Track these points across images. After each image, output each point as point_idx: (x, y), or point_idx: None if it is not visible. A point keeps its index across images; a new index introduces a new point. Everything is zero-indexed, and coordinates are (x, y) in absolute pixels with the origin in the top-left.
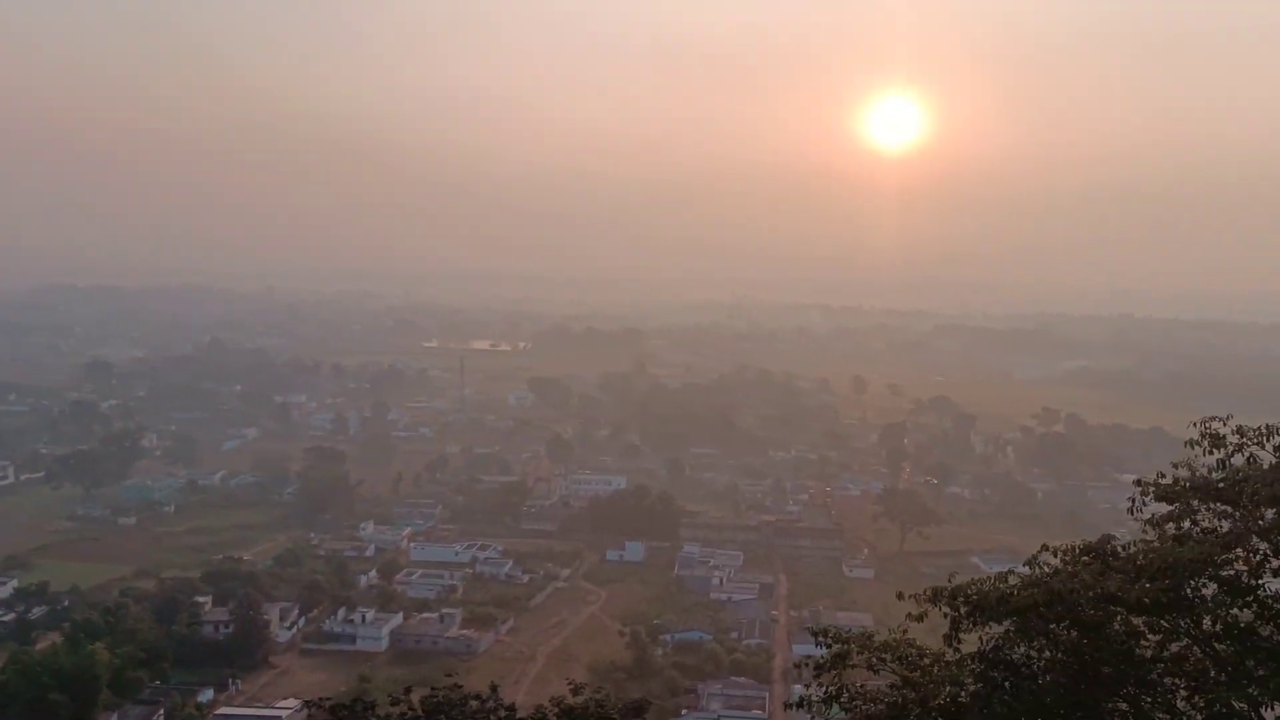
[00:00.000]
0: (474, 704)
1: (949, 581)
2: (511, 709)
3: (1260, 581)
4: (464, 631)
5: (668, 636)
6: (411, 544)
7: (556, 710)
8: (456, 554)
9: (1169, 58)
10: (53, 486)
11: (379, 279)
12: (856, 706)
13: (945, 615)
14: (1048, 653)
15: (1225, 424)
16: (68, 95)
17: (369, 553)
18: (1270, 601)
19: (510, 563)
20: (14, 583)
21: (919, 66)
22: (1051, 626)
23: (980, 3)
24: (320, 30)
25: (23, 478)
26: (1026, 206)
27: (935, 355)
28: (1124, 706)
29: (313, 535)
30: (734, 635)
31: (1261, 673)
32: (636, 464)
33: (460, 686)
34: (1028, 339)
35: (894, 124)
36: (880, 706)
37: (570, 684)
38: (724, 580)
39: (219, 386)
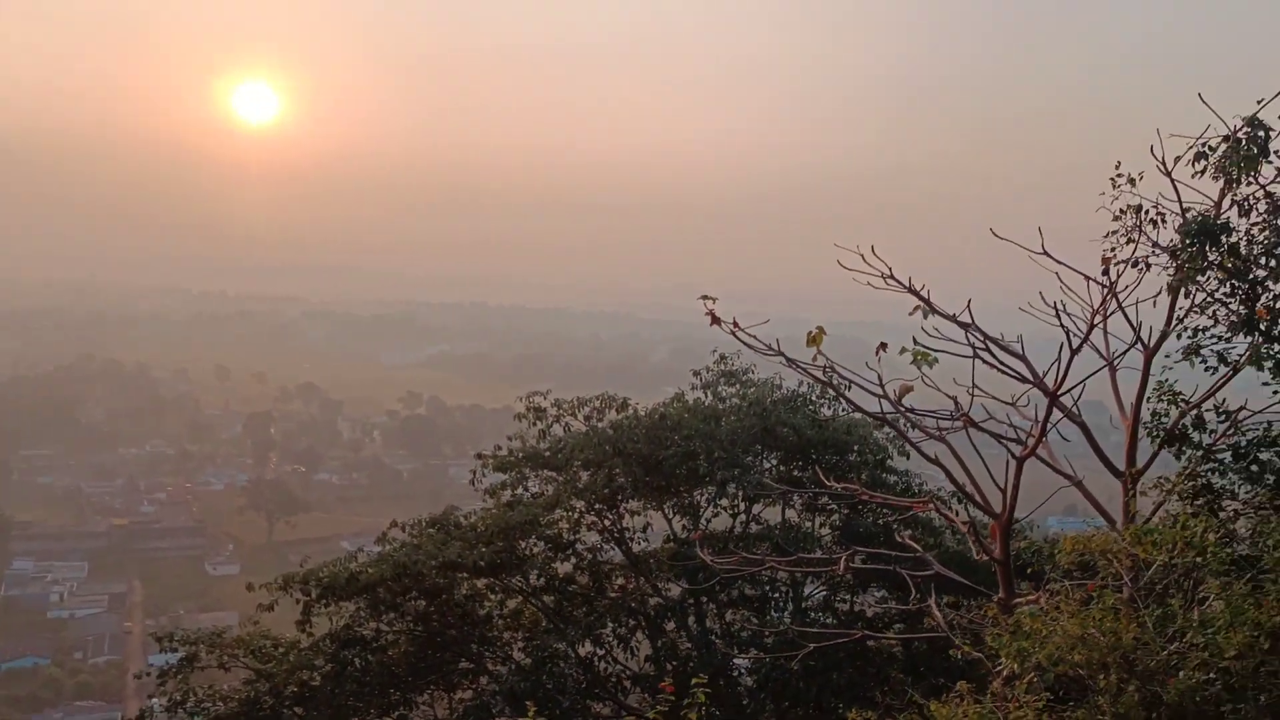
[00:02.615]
0: None
1: (300, 566)
2: None
3: (577, 537)
4: None
5: None
6: None
7: None
8: None
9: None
10: None
11: None
12: (206, 709)
13: (298, 601)
14: (399, 624)
15: (546, 398)
16: None
17: None
18: (585, 553)
19: None
20: None
21: (292, 50)
22: (400, 599)
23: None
24: None
25: None
26: (393, 198)
27: (303, 342)
28: (467, 665)
29: None
30: (78, 655)
31: (576, 614)
32: None
33: None
34: (393, 325)
35: (261, 106)
36: (233, 705)
37: None
38: (65, 595)
39: None
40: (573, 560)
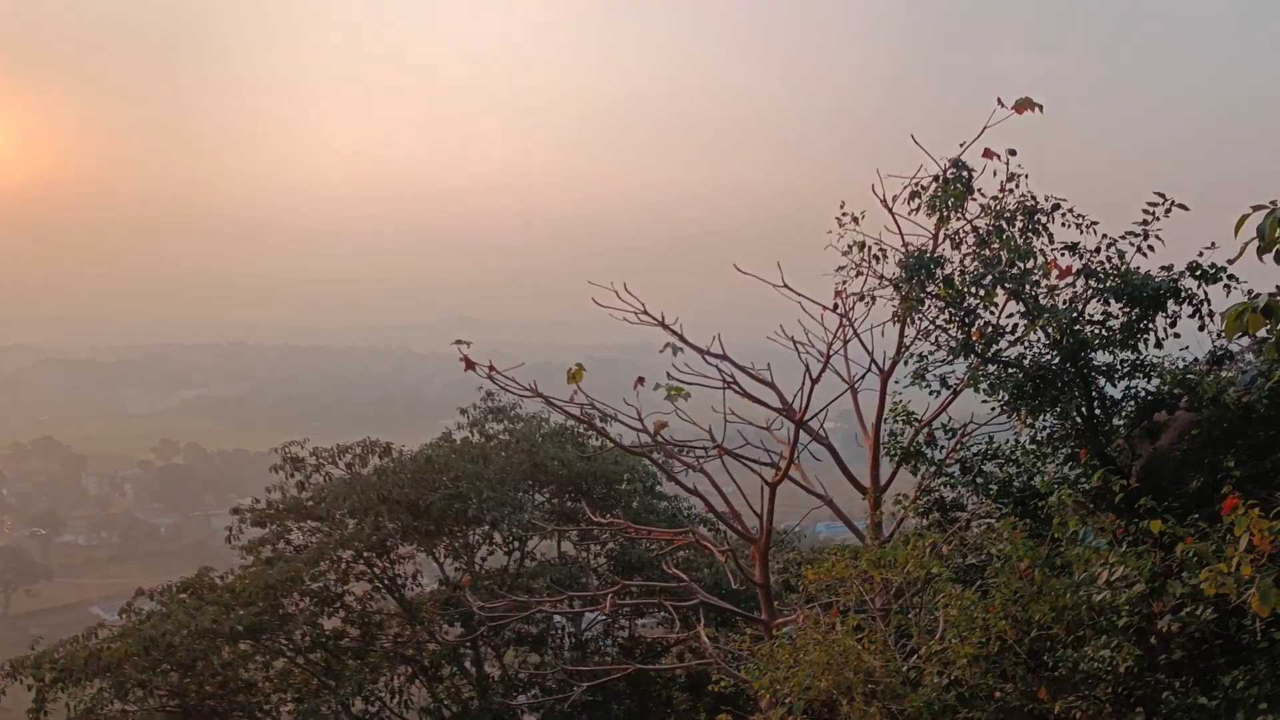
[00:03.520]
0: None
1: (32, 648)
2: None
3: (345, 589)
4: None
5: None
6: None
7: None
8: None
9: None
10: None
11: None
12: None
13: (30, 689)
14: (150, 701)
15: (304, 447)
16: None
17: None
18: (354, 605)
19: None
20: None
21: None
22: (149, 675)
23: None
24: None
25: None
26: (127, 236)
27: (38, 394)
28: None
29: None
30: None
31: (348, 669)
32: None
33: None
34: (140, 370)
35: None
36: None
37: None
38: None
39: None
40: (341, 613)
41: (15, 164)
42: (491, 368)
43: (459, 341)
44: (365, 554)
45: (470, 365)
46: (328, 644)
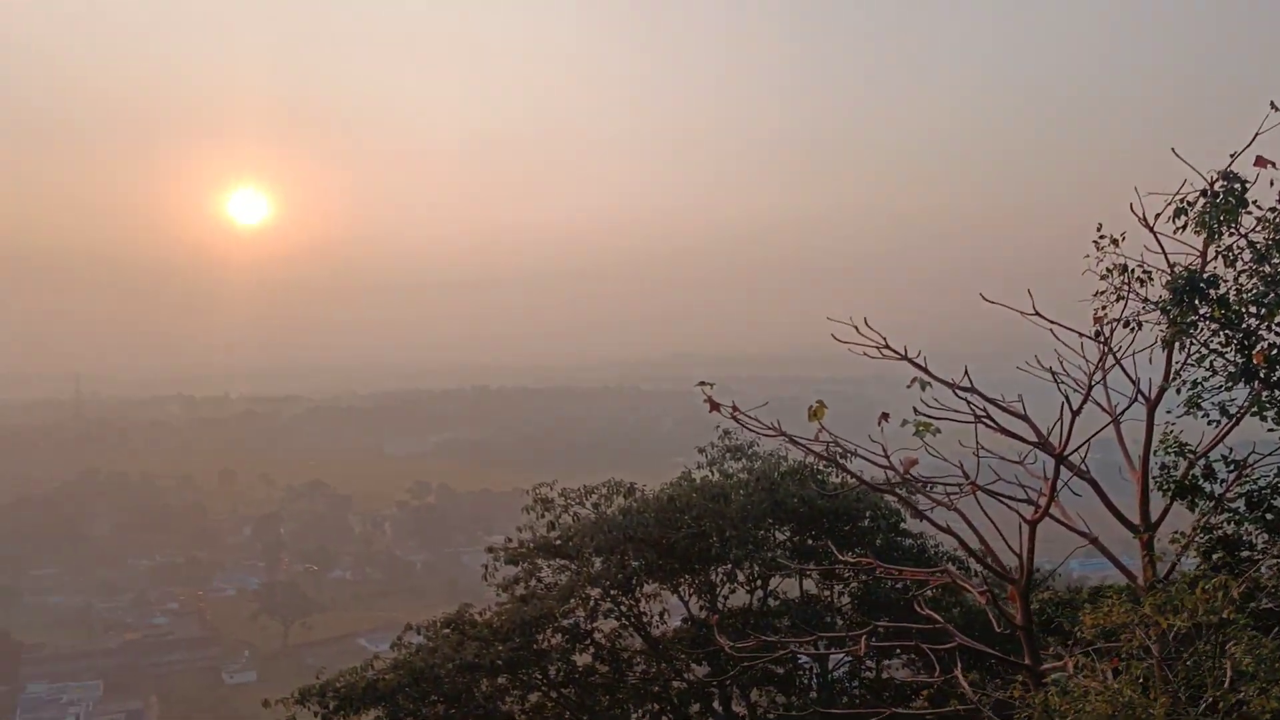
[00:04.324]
0: None
1: (317, 677)
2: None
3: (595, 625)
4: None
5: None
6: None
7: None
8: None
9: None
10: None
11: None
12: None
13: (316, 715)
14: None
15: (552, 488)
16: None
17: None
18: (604, 642)
19: None
20: None
21: (278, 160)
22: (420, 705)
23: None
24: None
25: None
26: (382, 290)
27: (307, 440)
28: None
29: None
30: None
31: (599, 704)
32: None
33: None
34: (395, 416)
35: (247, 208)
36: None
37: None
38: (81, 716)
39: None
40: (591, 650)
41: (319, 226)
42: (735, 408)
43: (703, 383)
44: (612, 592)
45: (715, 406)
46: (580, 679)
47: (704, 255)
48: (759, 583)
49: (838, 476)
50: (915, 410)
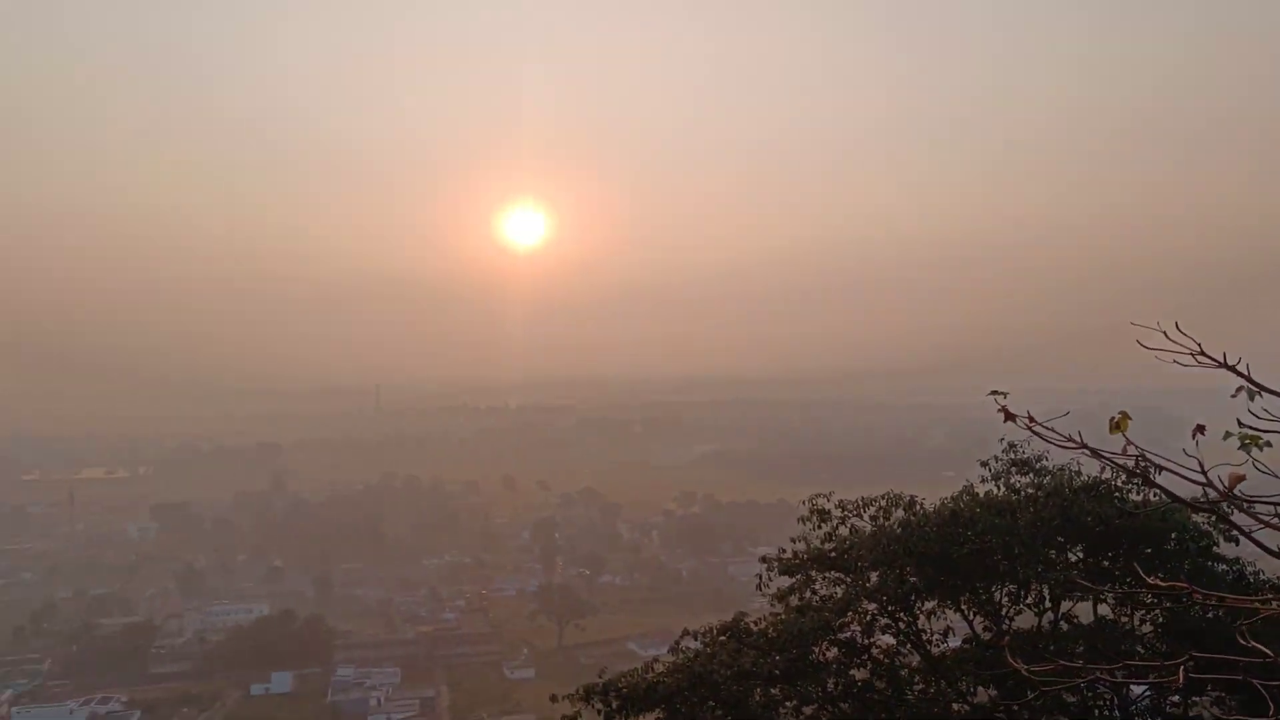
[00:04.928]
0: None
1: (599, 676)
2: None
3: (872, 640)
4: None
5: None
6: (14, 708)
7: None
8: (71, 712)
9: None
10: None
11: None
12: None
13: (599, 712)
14: None
15: (829, 499)
16: None
17: None
18: (881, 658)
19: (137, 714)
20: None
21: (551, 176)
22: (698, 709)
23: (592, 120)
24: None
25: None
26: (649, 305)
27: (579, 449)
28: None
29: None
30: None
31: None
32: (280, 587)
33: None
34: (661, 427)
35: (529, 231)
36: None
37: None
38: (382, 700)
39: None
40: (868, 665)
41: (591, 243)
42: (1030, 418)
43: (995, 393)
44: (889, 607)
45: (1010, 416)
46: (857, 695)
47: (976, 262)
48: (1049, 604)
49: (1138, 493)
50: (1239, 422)
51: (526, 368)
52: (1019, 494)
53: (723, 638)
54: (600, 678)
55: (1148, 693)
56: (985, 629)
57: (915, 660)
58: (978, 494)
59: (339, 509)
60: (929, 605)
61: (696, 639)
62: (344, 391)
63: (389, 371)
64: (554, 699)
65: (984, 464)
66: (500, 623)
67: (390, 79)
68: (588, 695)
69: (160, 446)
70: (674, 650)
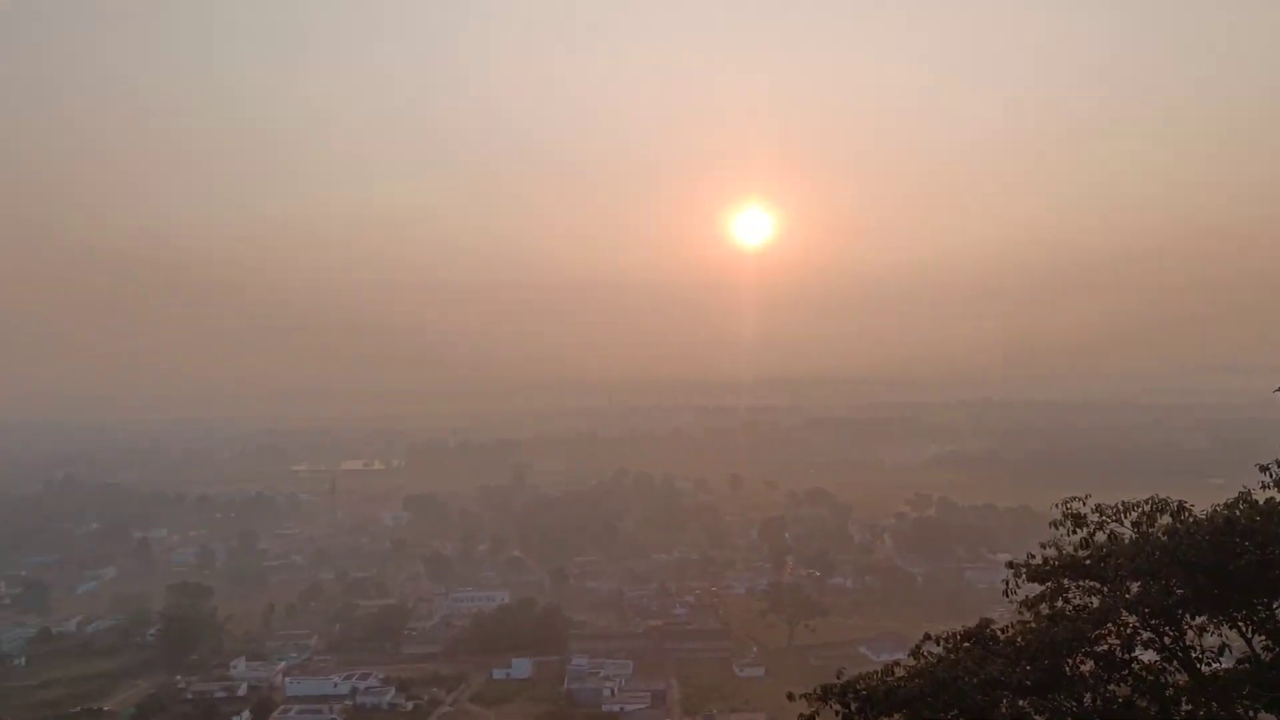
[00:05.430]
0: None
1: (837, 677)
2: None
3: (1132, 655)
4: None
5: None
6: (287, 678)
7: None
8: (335, 685)
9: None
10: None
11: (237, 404)
12: None
13: (837, 713)
14: None
15: (1084, 503)
16: None
17: (241, 692)
18: (1144, 675)
19: (392, 690)
20: None
21: (775, 175)
22: (940, 715)
23: (831, 115)
24: (155, 164)
25: None
26: (878, 304)
27: (807, 449)
28: None
29: (179, 678)
30: None
31: None
32: (520, 577)
33: None
34: (894, 427)
35: (753, 230)
36: None
37: None
38: (615, 690)
39: (73, 526)
40: (1128, 681)
41: (816, 241)
42: None
43: None
44: (1152, 620)
45: None
46: (1117, 712)
47: (1235, 251)
48: None
49: None
50: None
51: (754, 366)
52: None
53: (966, 644)
54: (838, 678)
55: None
56: (1265, 648)
57: (1182, 678)
58: (1256, 501)
59: (574, 503)
60: (1198, 620)
61: (939, 644)
62: (579, 390)
63: (622, 371)
64: (791, 697)
65: (1263, 468)
66: (729, 620)
67: (620, 90)
68: (825, 695)
69: (411, 441)
70: (914, 654)
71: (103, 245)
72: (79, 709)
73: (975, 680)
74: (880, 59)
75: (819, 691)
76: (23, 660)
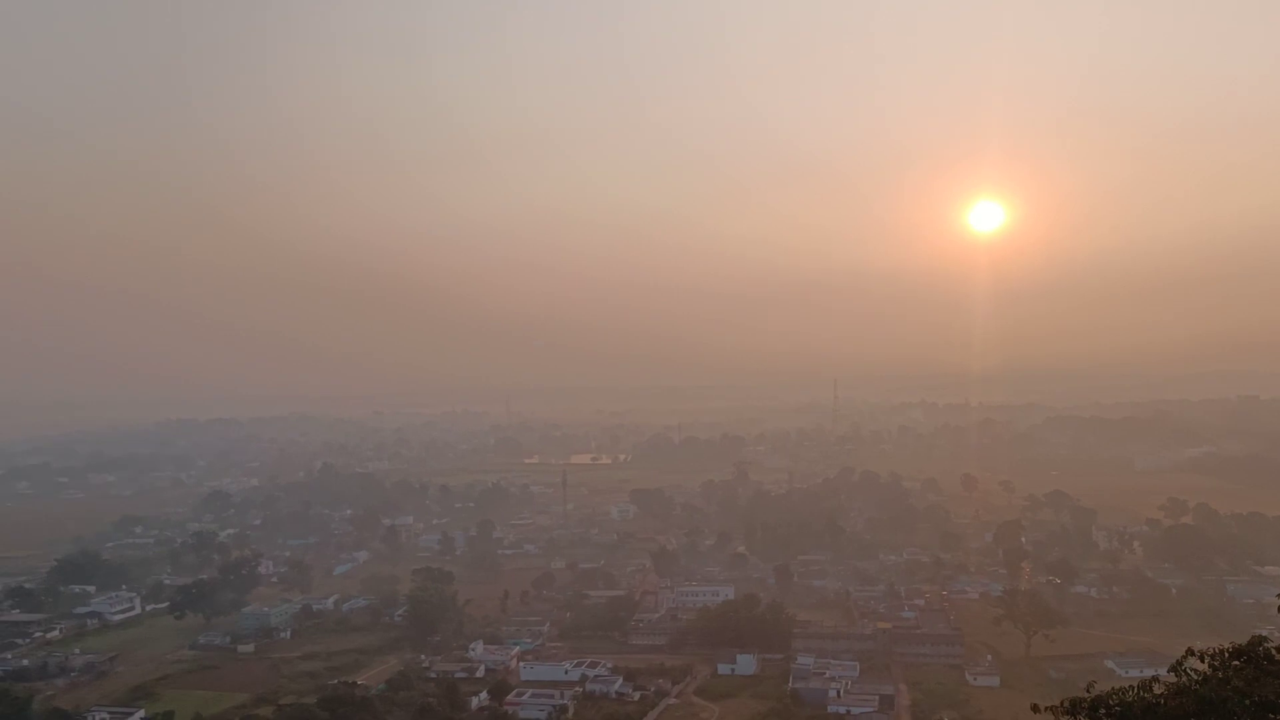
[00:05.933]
0: None
1: (1086, 691)
2: None
3: None
4: None
5: None
6: (521, 663)
7: None
8: (566, 672)
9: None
10: (176, 616)
11: (478, 399)
12: None
13: None
14: None
15: None
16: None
17: (479, 673)
18: None
19: (620, 679)
20: (141, 712)
21: (1010, 168)
22: None
23: (1068, 103)
24: (364, 163)
25: (148, 608)
26: (1126, 297)
27: (1047, 449)
28: None
29: (423, 657)
30: None
31: None
32: (744, 573)
33: None
34: (1143, 427)
35: (988, 224)
36: None
37: None
38: (841, 692)
39: (330, 511)
40: None
41: (1053, 233)
42: None
43: None
44: None
45: None
46: None
47: None
48: None
49: None
50: None
51: (989, 361)
52: None
53: (1236, 662)
54: (1088, 692)
55: None
56: None
57: None
58: None
59: (798, 501)
60: None
61: (1203, 660)
62: (804, 386)
63: (848, 367)
64: (1036, 709)
65: None
66: (961, 625)
67: (861, 89)
68: (1074, 709)
69: (638, 436)
70: (1175, 670)
71: (340, 257)
72: (336, 681)
73: (1246, 701)
74: (1111, 45)
75: (1066, 705)
76: (288, 633)
